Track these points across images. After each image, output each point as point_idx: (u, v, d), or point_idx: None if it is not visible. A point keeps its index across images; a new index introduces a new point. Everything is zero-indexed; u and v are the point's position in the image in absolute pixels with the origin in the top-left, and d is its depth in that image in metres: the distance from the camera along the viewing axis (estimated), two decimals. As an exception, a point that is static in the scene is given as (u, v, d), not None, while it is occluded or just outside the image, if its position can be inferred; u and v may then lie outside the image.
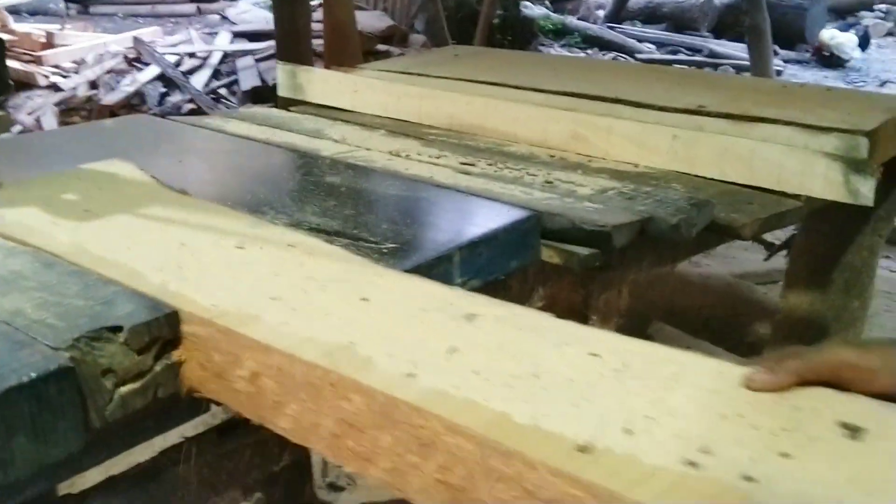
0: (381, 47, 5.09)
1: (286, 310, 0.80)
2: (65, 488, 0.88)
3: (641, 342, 0.74)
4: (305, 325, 0.77)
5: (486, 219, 1.21)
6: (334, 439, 0.69)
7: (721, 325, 2.18)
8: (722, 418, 0.62)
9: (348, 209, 1.26)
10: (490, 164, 1.52)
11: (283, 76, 2.13)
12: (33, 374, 0.68)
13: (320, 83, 2.08)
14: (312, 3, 4.37)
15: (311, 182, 1.39)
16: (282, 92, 2.13)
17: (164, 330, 0.78)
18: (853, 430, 0.61)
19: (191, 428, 0.98)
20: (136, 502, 0.97)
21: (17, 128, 4.89)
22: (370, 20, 5.30)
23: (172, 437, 0.97)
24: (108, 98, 4.85)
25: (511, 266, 1.18)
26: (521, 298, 1.26)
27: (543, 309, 0.91)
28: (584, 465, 0.56)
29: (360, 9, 5.99)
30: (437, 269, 1.11)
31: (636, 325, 0.75)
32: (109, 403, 0.75)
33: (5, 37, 5.79)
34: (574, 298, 1.29)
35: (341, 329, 0.76)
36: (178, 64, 5.43)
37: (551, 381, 0.67)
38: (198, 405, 0.85)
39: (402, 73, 2.14)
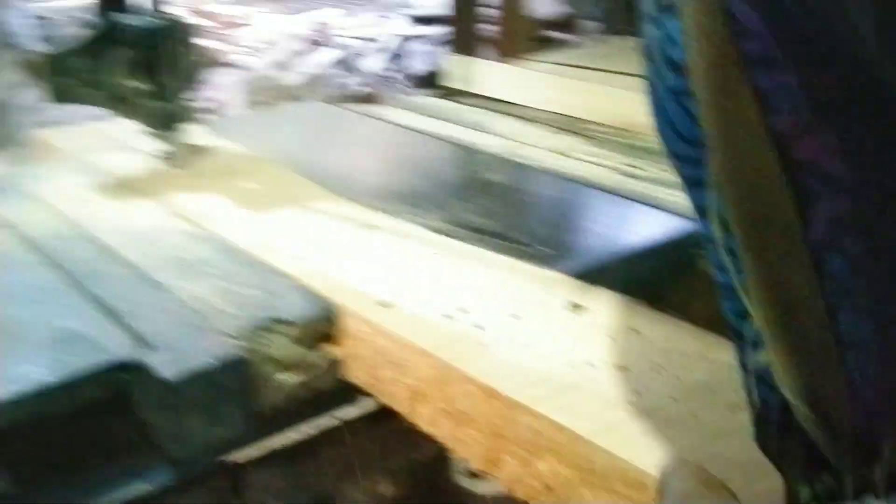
0: (554, 35, 5.04)
1: None
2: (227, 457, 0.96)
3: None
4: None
5: (648, 228, 1.18)
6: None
7: None
8: (481, 294, 0.89)
9: (504, 208, 1.27)
10: (658, 168, 1.48)
11: (449, 66, 2.17)
12: (210, 361, 0.75)
13: (487, 74, 2.09)
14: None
15: (469, 178, 1.42)
16: (448, 82, 2.17)
17: (325, 325, 0.83)
18: (576, 307, 0.86)
19: (345, 412, 1.04)
20: (290, 477, 1.04)
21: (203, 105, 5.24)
22: (545, 6, 5.24)
23: (327, 419, 1.03)
24: (290, 80, 5.12)
25: (671, 279, 1.15)
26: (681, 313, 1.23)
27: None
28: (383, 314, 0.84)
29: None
30: (588, 279, 1.10)
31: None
32: (274, 391, 0.80)
33: (199, 21, 6.25)
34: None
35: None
36: (355, 47, 5.63)
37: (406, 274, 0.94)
38: (353, 393, 0.90)
39: (572, 66, 2.11)
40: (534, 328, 0.82)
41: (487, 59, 2.43)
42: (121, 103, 1.22)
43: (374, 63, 5.39)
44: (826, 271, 0.44)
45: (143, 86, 1.20)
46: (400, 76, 5.30)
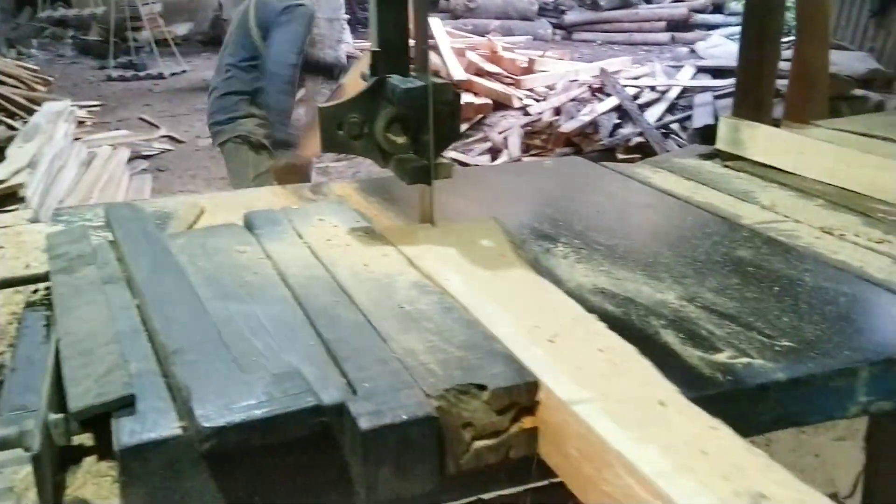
0: (857, 92, 4.61)
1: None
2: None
3: None
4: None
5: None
6: None
7: None
8: None
9: (750, 291, 1.18)
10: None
11: (724, 129, 2.06)
12: (404, 417, 0.78)
13: (763, 140, 1.96)
14: (785, 40, 4.14)
15: (718, 252, 1.33)
16: (720, 145, 2.06)
17: (523, 396, 0.83)
18: None
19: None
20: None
21: (485, 145, 5.51)
22: (849, 61, 4.82)
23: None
24: (567, 126, 5.20)
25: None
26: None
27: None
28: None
29: (841, 48, 5.49)
30: (836, 381, 0.98)
31: None
32: (465, 454, 0.81)
33: (493, 66, 6.57)
34: None
35: None
36: (636, 97, 5.59)
37: None
38: (544, 469, 0.88)
39: (862, 136, 1.92)
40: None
41: (777, 118, 2.28)
42: (383, 156, 1.32)
43: (652, 113, 5.32)
44: None
45: (401, 141, 1.29)
46: (677, 126, 5.18)
